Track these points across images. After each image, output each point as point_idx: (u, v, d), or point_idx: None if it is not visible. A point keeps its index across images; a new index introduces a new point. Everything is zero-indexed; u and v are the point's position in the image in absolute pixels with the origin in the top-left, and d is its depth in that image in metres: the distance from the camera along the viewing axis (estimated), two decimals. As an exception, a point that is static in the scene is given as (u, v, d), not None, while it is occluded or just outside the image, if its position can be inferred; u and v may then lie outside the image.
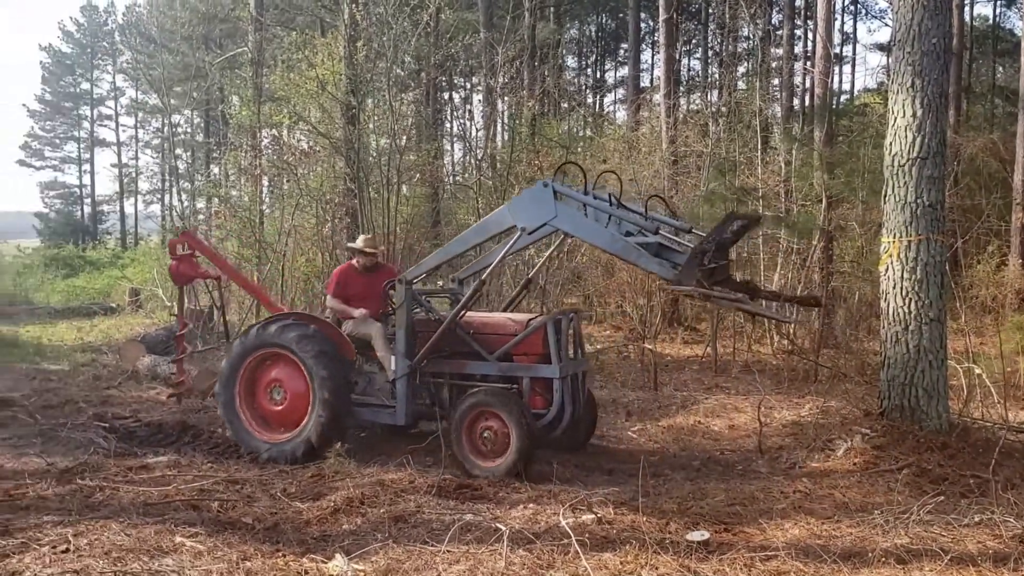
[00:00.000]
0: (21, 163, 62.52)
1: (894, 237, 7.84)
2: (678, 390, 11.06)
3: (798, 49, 29.20)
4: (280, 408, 7.80)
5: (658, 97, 19.89)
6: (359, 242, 8.59)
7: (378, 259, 8.67)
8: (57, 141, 63.73)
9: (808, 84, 25.56)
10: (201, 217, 24.92)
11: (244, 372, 7.91)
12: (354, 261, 8.54)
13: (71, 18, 63.24)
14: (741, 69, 31.04)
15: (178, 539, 5.38)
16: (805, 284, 13.53)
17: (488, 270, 7.88)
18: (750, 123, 14.80)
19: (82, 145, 63.33)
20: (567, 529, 5.32)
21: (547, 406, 7.30)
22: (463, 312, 7.55)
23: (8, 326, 16.83)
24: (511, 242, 7.47)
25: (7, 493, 6.52)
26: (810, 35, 27.30)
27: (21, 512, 5.98)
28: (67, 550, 5.14)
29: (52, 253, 37.39)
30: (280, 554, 5.17)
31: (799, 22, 29.14)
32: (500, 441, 6.98)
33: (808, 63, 25.91)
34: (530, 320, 7.61)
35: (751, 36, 29.60)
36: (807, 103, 25.16)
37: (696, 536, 5.35)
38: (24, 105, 62.81)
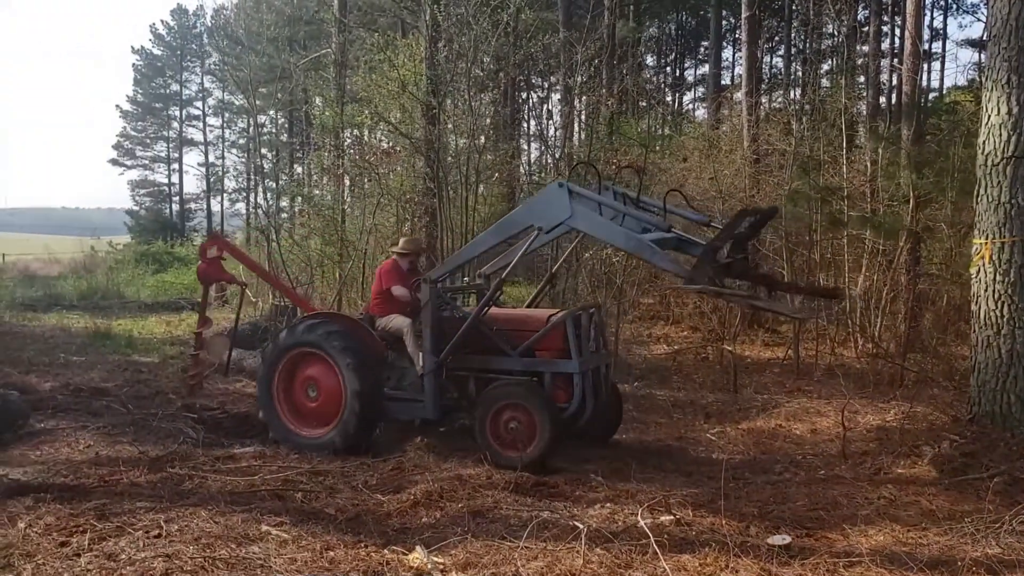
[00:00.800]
0: (113, 162, 65.02)
1: (986, 239, 7.60)
2: (758, 393, 10.89)
3: (885, 46, 28.43)
4: (315, 404, 8.05)
5: (739, 95, 19.61)
6: (400, 244, 8.96)
7: (416, 259, 8.97)
8: (147, 141, 66.08)
9: (895, 81, 24.87)
10: (285, 215, 25.49)
11: (281, 371, 8.19)
12: (397, 260, 8.77)
13: (162, 21, 65.30)
14: (825, 66, 30.33)
15: (264, 528, 5.54)
16: (891, 286, 13.17)
17: (507, 269, 8.06)
18: (835, 121, 14.45)
19: (171, 145, 65.57)
20: (645, 529, 5.31)
21: (568, 399, 7.45)
22: (486, 309, 7.74)
23: (101, 320, 17.47)
24: (529, 241, 7.62)
25: (103, 479, 6.82)
26: (898, 31, 26.57)
27: (116, 497, 6.24)
28: (159, 535, 5.36)
29: (142, 249, 38.61)
30: (362, 545, 5.28)
31: (886, 18, 28.37)
32: (526, 432, 7.16)
33: (896, 60, 25.19)
34: (550, 316, 7.73)
35: (836, 33, 28.91)
36: (894, 101, 24.47)
37: (778, 540, 5.28)
38: (117, 106, 65.05)
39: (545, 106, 35.65)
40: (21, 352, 12.91)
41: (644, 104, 33.17)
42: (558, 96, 29.14)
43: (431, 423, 8.21)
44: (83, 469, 7.05)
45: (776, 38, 40.00)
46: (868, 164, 14.21)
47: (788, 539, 5.32)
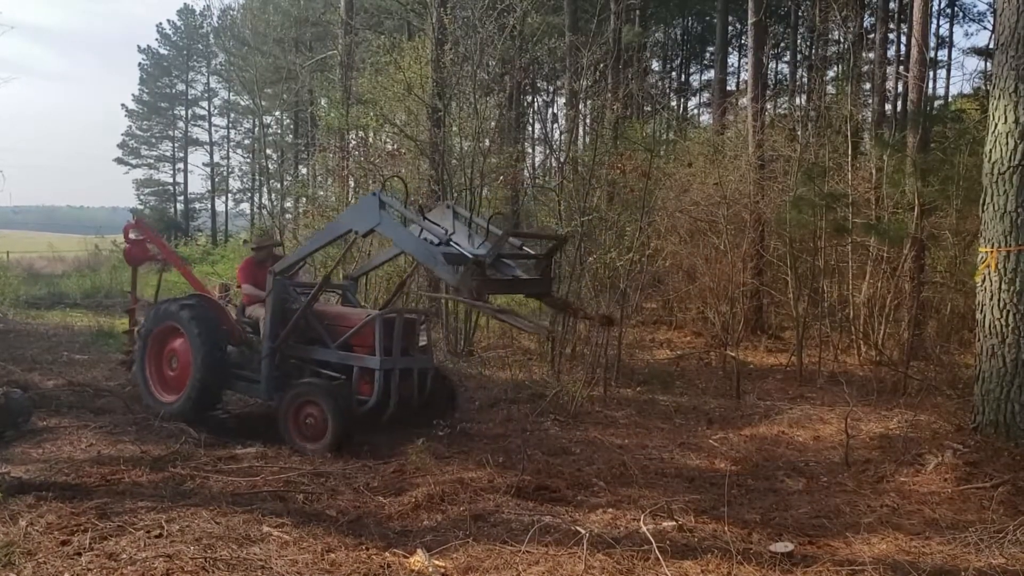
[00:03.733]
0: (119, 161, 65.15)
1: (992, 247, 7.58)
2: (761, 399, 10.86)
3: (891, 53, 28.36)
4: (174, 374, 9.05)
5: (745, 100, 19.60)
6: (253, 240, 10.23)
7: (270, 254, 9.68)
8: (153, 140, 66.30)
9: (901, 89, 24.85)
10: (289, 216, 25.50)
11: (151, 344, 9.24)
12: (252, 257, 9.77)
13: (168, 21, 65.53)
14: (831, 73, 30.33)
15: (265, 529, 5.53)
16: (895, 294, 13.16)
17: (368, 270, 9.43)
18: (840, 128, 14.43)
19: (176, 144, 65.72)
20: (647, 535, 5.29)
21: (371, 393, 8.15)
22: (313, 303, 8.65)
23: (104, 318, 17.48)
24: (391, 251, 8.56)
25: (104, 478, 6.81)
26: (904, 38, 26.52)
27: (117, 497, 6.23)
28: (160, 535, 5.34)
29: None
30: (363, 547, 5.26)
31: (892, 25, 28.30)
32: (319, 426, 7.91)
33: (902, 67, 25.14)
34: (368, 316, 8.47)
35: (842, 39, 28.91)
36: (900, 108, 24.45)
37: (780, 547, 5.27)
38: (123, 105, 65.19)
39: (550, 110, 35.70)
40: (24, 350, 12.93)
41: (649, 109, 33.19)
42: (563, 100, 29.12)
43: (267, 402, 8.87)
44: (85, 468, 7.04)
45: (782, 44, 40.03)
46: (873, 171, 14.19)
47: (791, 546, 5.30)
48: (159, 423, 8.57)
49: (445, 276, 7.52)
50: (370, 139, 20.90)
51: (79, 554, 4.98)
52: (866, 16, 30.05)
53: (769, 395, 11.21)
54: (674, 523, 5.77)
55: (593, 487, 6.81)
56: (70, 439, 8.06)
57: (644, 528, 5.49)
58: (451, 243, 7.73)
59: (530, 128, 36.60)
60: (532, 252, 8.18)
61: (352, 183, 20.57)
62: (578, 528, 5.54)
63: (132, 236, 10.50)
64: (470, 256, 7.31)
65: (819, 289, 13.90)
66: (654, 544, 5.10)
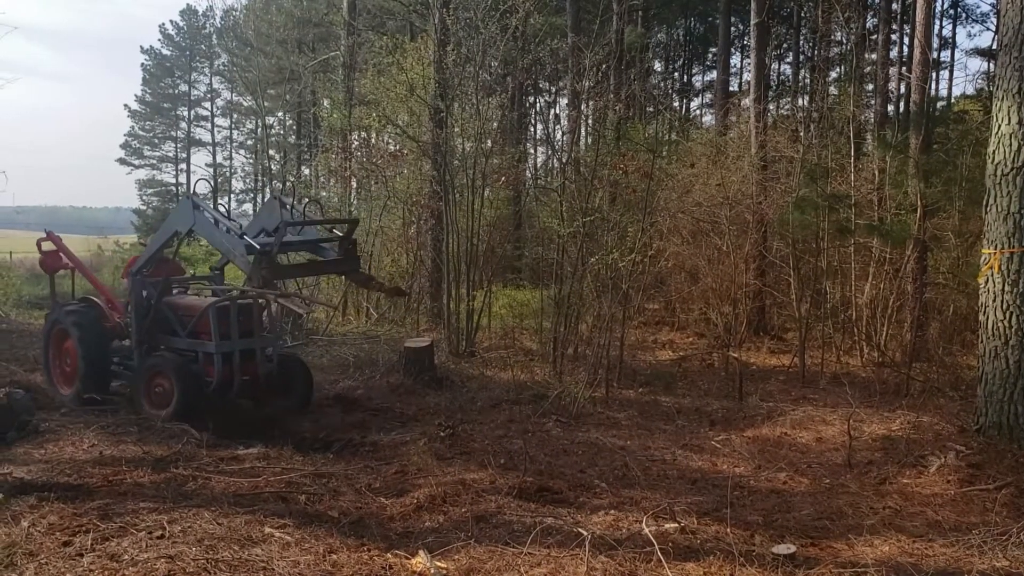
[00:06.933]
0: (121, 161, 65.17)
1: (995, 248, 7.57)
2: (764, 400, 10.84)
3: (894, 54, 28.31)
4: (69, 369, 9.98)
5: (747, 101, 19.57)
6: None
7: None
8: (156, 141, 66.28)
9: (904, 90, 24.78)
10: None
11: (51, 344, 10.19)
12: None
13: (171, 21, 65.52)
14: (833, 74, 30.28)
15: (267, 530, 5.53)
16: (897, 295, 13.13)
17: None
18: (843, 129, 14.40)
19: (179, 145, 65.70)
20: (650, 537, 5.28)
21: (213, 375, 8.97)
22: (163, 297, 9.50)
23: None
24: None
25: (106, 479, 6.81)
26: (907, 39, 26.48)
27: (119, 497, 6.23)
28: (162, 536, 5.34)
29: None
30: (365, 548, 5.26)
31: (895, 26, 28.27)
32: (168, 395, 8.79)
33: (904, 68, 25.10)
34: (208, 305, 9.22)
35: (845, 40, 28.89)
36: (902, 109, 24.40)
37: (782, 549, 5.26)
38: (125, 106, 65.27)
39: (552, 110, 35.66)
40: (27, 350, 12.93)
41: (651, 109, 33.16)
42: (565, 100, 29.11)
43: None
44: (87, 468, 7.04)
45: (785, 45, 39.99)
46: (876, 172, 14.17)
47: (793, 548, 5.29)
48: (161, 424, 8.57)
49: (242, 267, 8.44)
50: (372, 140, 20.92)
51: (81, 555, 4.98)
52: (869, 17, 30.02)
53: (772, 396, 11.19)
54: (676, 525, 5.76)
55: (595, 489, 6.80)
56: (72, 439, 8.06)
57: (646, 530, 5.48)
58: (244, 236, 8.55)
59: (532, 129, 36.61)
60: (339, 234, 9.07)
61: (354, 184, 20.60)
62: (580, 530, 5.52)
63: (44, 248, 11.12)
64: (257, 247, 8.21)
65: (822, 290, 13.88)
66: (656, 546, 5.09)
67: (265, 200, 9.28)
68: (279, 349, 9.88)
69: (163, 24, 75.63)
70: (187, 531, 5.44)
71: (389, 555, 5.16)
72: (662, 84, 44.89)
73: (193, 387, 8.82)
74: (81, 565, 4.82)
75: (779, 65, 41.17)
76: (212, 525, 5.56)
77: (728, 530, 5.67)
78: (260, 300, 9.20)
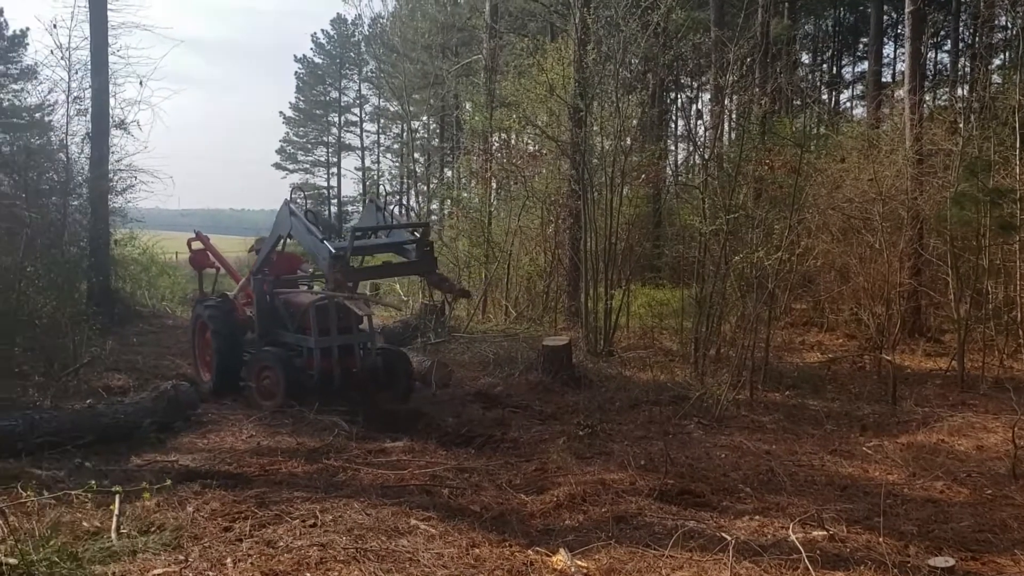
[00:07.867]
0: (276, 166, 68.53)
1: None
2: (919, 405, 10.29)
3: (1067, 37, 26.35)
4: (209, 358, 10.79)
5: (901, 93, 18.63)
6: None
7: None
8: (308, 146, 69.32)
9: (1079, 75, 23.01)
10: (435, 217, 26.11)
11: (195, 335, 11.16)
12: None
13: (323, 31, 68.19)
14: (996, 61, 28.40)
15: (413, 521, 5.69)
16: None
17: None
18: (1007, 119, 13.48)
19: (330, 149, 68.44)
20: (796, 544, 5.12)
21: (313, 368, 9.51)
22: (278, 295, 10.12)
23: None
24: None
25: (263, 468, 7.19)
26: (1083, 20, 24.54)
27: (275, 486, 6.57)
28: (314, 525, 5.60)
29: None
30: (506, 544, 5.34)
31: (1070, 6, 26.28)
32: (274, 385, 9.43)
33: (1079, 51, 23.32)
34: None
35: (1009, 25, 27.06)
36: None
37: (940, 562, 4.99)
38: (280, 113, 68.54)
39: (694, 106, 35.09)
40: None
41: (798, 103, 32.07)
42: (708, 96, 28.58)
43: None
44: (245, 458, 7.46)
45: (942, 32, 37.83)
46: (1045, 164, 13.21)
47: (952, 561, 5.01)
48: (313, 416, 8.96)
49: (324, 269, 8.91)
50: (512, 141, 21.16)
51: (240, 540, 5.28)
52: (1038, -2, 28.01)
53: (927, 401, 10.62)
54: (825, 532, 5.56)
55: (739, 493, 6.65)
56: (232, 430, 8.56)
57: (793, 537, 5.32)
58: (326, 241, 8.98)
59: (673, 125, 36.11)
60: (416, 237, 9.49)
61: (495, 184, 20.88)
62: (723, 534, 5.42)
63: (194, 247, 12.03)
64: (331, 251, 8.60)
65: (983, 290, 13.06)
66: (803, 553, 4.94)
67: (281, 208, 9.99)
68: (377, 345, 10.41)
69: (315, 33, 78.73)
70: (338, 520, 5.66)
71: (530, 552, 5.21)
72: (810, 76, 43.32)
73: (296, 380, 9.41)
74: (240, 550, 5.10)
75: (936, 54, 39.00)
76: (361, 515, 5.78)
77: (880, 539, 5.43)
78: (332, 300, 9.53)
